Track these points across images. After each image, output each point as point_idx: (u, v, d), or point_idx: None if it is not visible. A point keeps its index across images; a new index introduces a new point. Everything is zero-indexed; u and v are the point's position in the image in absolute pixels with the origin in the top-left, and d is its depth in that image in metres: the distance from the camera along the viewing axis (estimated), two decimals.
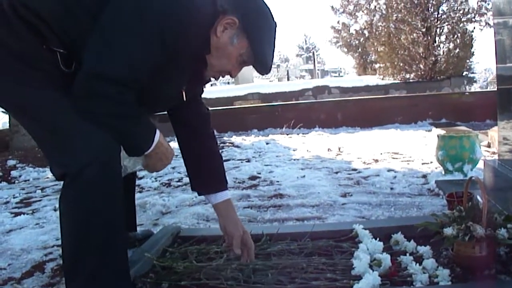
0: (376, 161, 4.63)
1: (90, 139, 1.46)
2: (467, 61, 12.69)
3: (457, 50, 12.11)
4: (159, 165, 1.70)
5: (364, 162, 4.58)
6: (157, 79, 1.57)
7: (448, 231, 1.81)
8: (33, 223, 3.03)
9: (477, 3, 11.74)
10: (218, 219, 2.00)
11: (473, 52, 12.96)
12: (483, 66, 36.69)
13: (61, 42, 1.52)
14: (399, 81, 12.33)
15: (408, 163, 4.41)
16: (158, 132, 1.64)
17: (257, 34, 1.65)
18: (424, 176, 3.79)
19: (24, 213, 3.26)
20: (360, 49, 19.30)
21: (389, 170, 4.06)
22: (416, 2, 11.99)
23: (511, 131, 2.45)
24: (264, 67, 1.68)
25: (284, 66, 62.85)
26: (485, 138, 5.53)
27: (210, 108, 2.13)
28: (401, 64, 12.37)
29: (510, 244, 1.80)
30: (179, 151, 2.03)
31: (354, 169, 4.26)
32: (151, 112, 1.80)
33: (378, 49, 13.03)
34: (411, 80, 12.33)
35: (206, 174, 1.98)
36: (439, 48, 12.33)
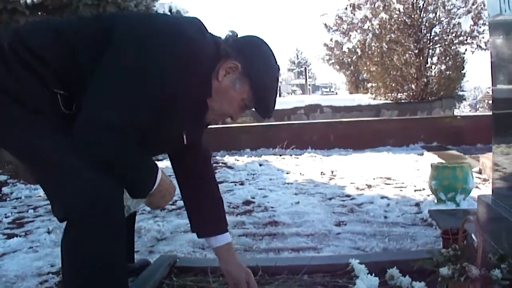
0: (369, 186, 4.69)
1: (92, 181, 1.46)
2: (458, 83, 12.89)
3: (449, 71, 12.29)
4: (162, 202, 1.72)
5: (358, 188, 4.64)
6: (157, 123, 1.58)
7: (444, 271, 1.86)
8: (26, 246, 3.03)
9: (470, 26, 11.94)
10: (219, 261, 2.01)
11: (465, 74, 13.18)
12: (473, 85, 37.10)
13: (61, 84, 1.54)
14: (390, 101, 12.47)
15: (401, 190, 4.47)
16: (159, 170, 1.65)
17: (260, 79, 1.67)
18: (417, 204, 3.85)
19: (17, 235, 3.26)
20: (352, 67, 19.49)
21: (382, 197, 4.12)
22: (409, 23, 12.17)
23: (505, 157, 2.47)
24: (265, 112, 1.72)
25: None
26: (476, 163, 5.61)
27: None
28: (393, 84, 12.52)
29: (503, 285, 1.85)
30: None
31: (348, 195, 4.31)
32: (151, 155, 1.80)
33: (371, 69, 13.17)
34: (402, 101, 12.47)
35: (207, 217, 2.00)
36: (431, 70, 12.51)
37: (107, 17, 1.66)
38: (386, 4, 12.16)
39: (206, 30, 1.73)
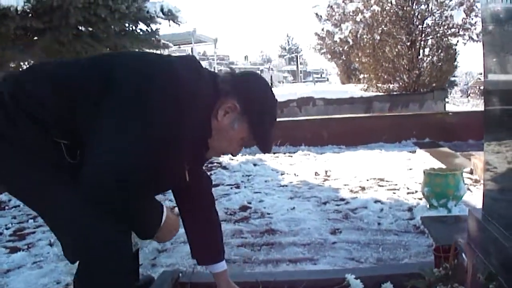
0: (363, 189, 4.82)
1: (101, 225, 1.51)
2: (450, 75, 13.04)
3: (441, 63, 12.39)
4: (168, 236, 1.78)
5: (351, 191, 4.76)
6: (159, 168, 1.61)
7: None
8: (30, 261, 3.12)
9: (462, 19, 12.04)
10: (217, 284, 2.19)
11: (456, 66, 13.32)
12: (464, 70, 37.22)
13: (63, 133, 1.58)
14: (382, 93, 12.57)
15: (394, 192, 4.60)
16: (165, 208, 1.71)
17: (258, 118, 1.74)
18: (410, 208, 3.99)
19: (20, 249, 3.36)
20: (344, 57, 19.54)
21: (376, 201, 4.25)
22: (401, 15, 12.25)
23: (497, 156, 2.50)
24: (264, 149, 1.80)
25: (267, 67, 63.26)
26: (467, 162, 5.75)
27: None
28: (385, 76, 12.62)
29: None
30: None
31: (342, 199, 4.44)
32: (154, 194, 1.81)
33: (363, 60, 13.23)
34: (394, 93, 12.58)
35: (206, 247, 2.14)
36: (423, 61, 12.61)
37: (104, 64, 1.67)
38: None
39: (201, 67, 1.78)
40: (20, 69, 1.60)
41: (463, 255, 2.31)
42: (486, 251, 2.41)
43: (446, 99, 13.08)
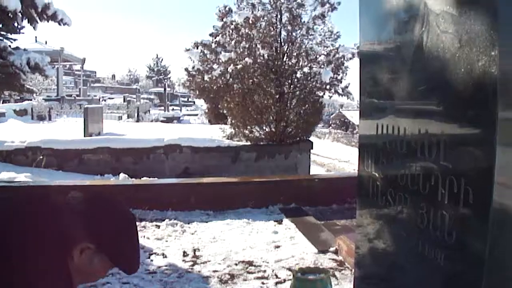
0: (232, 277, 4.98)
1: None
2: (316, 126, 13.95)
3: (307, 116, 13.18)
4: None
5: (221, 280, 4.91)
6: None
7: None
8: None
9: (329, 78, 12.91)
10: None
11: (322, 117, 14.28)
12: (327, 101, 39.79)
13: None
14: (250, 143, 13.07)
15: (263, 283, 4.82)
16: None
17: (116, 249, 1.73)
18: None
19: None
20: (212, 95, 19.87)
21: None
22: (271, 67, 12.87)
23: (366, 235, 2.68)
24: (131, 272, 1.81)
25: (135, 87, 62.48)
26: (332, 239, 6.18)
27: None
28: (253, 126, 13.11)
29: None
30: None
31: None
32: None
33: (231, 106, 13.59)
34: (261, 143, 13.12)
35: None
36: (290, 113, 13.30)
37: None
38: (252, 48, 12.73)
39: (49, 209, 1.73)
40: None
41: None
42: None
43: (311, 150, 13.90)
